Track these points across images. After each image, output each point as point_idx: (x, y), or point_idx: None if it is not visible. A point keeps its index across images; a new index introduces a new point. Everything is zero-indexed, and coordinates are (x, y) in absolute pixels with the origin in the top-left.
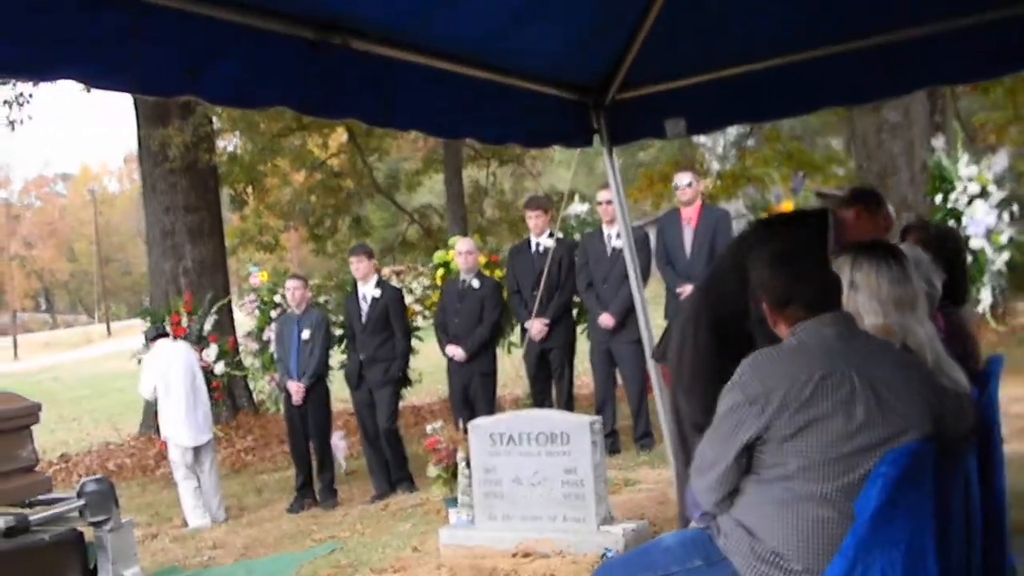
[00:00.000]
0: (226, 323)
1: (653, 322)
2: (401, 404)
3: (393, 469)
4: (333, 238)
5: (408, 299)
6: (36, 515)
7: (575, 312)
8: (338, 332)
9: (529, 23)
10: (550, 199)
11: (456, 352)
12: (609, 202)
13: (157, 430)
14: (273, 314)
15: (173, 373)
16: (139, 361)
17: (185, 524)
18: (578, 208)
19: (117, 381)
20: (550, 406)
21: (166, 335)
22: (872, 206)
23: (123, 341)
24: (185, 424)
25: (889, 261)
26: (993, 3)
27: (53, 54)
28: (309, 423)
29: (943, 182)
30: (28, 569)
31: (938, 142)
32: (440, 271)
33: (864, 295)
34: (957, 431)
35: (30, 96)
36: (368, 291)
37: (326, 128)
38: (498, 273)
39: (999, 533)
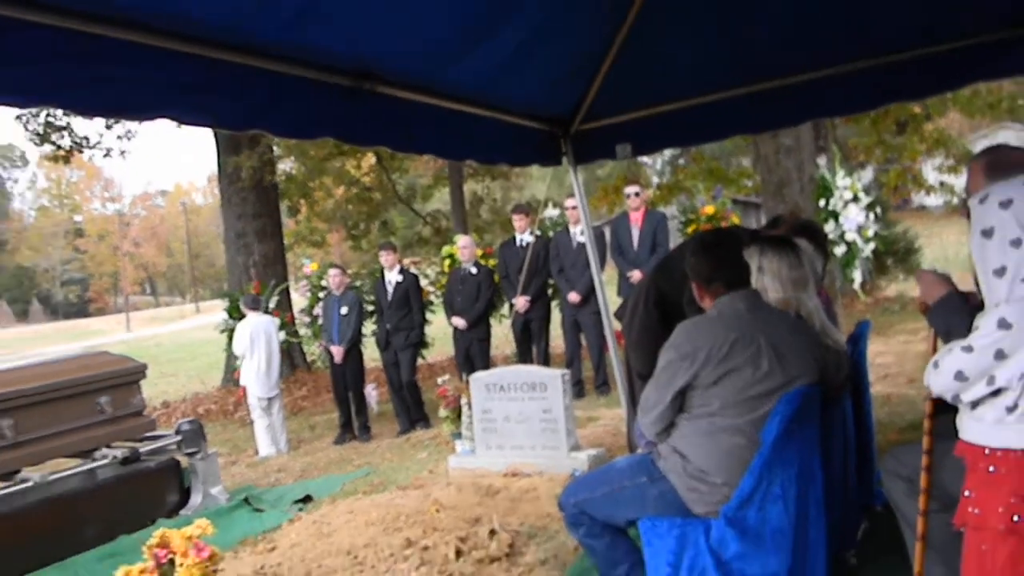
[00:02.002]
0: (285, 302)
1: (609, 298)
2: (418, 362)
3: (413, 411)
4: (366, 237)
5: (423, 283)
6: (144, 448)
7: (550, 291)
8: (370, 308)
9: (514, 74)
10: (530, 205)
11: (459, 322)
12: (574, 208)
13: (236, 383)
14: (321, 295)
15: (258, 339)
16: (222, 331)
17: (257, 453)
18: (551, 212)
19: (204, 347)
20: (531, 362)
21: (257, 307)
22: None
23: (208, 317)
24: (263, 379)
25: (788, 250)
26: (863, 55)
27: (152, 99)
28: (348, 377)
29: (825, 191)
30: (139, 488)
31: (821, 160)
32: (447, 261)
33: (769, 276)
34: (837, 379)
35: (136, 131)
36: (393, 277)
37: (360, 153)
38: (491, 262)
39: (868, 453)
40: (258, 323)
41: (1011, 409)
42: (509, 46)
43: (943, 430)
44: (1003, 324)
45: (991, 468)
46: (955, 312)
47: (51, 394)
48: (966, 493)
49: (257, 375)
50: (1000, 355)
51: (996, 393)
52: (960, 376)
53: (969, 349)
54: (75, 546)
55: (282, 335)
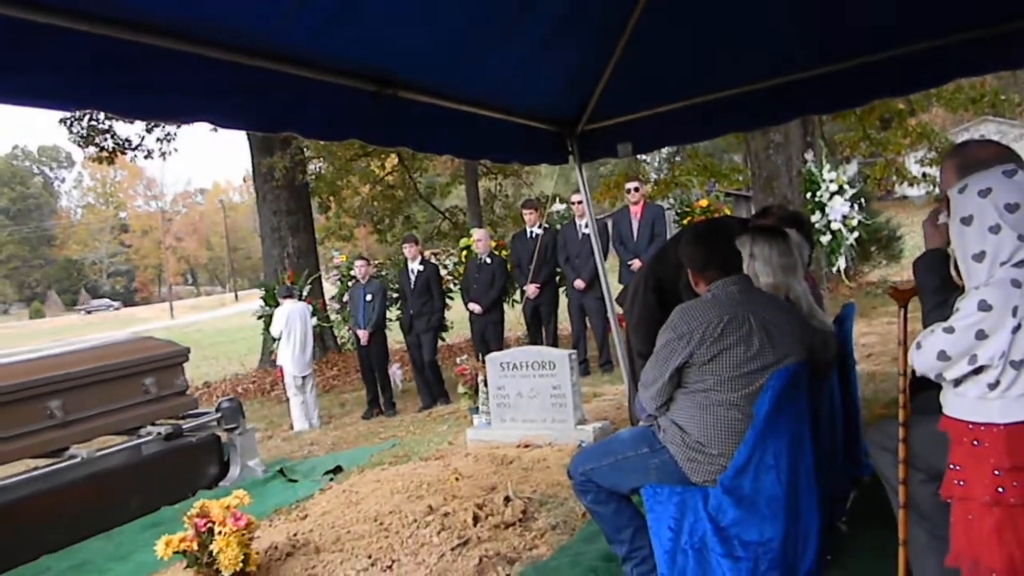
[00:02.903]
0: (317, 290)
1: (611, 284)
2: (439, 344)
3: (434, 388)
4: (391, 231)
5: (442, 272)
6: (187, 424)
7: (558, 279)
8: (395, 295)
9: (525, 80)
10: (539, 201)
11: (476, 307)
12: (579, 202)
13: (273, 364)
14: (350, 284)
15: (294, 323)
16: (259, 317)
17: (292, 428)
18: (558, 207)
19: (242, 332)
20: (541, 343)
21: (291, 295)
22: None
23: (246, 304)
24: (298, 359)
25: (777, 238)
26: (848, 55)
27: (190, 104)
28: (373, 358)
29: (812, 184)
30: (181, 462)
31: (809, 155)
32: (464, 252)
33: (760, 262)
34: (824, 357)
35: (175, 134)
36: (415, 267)
37: (384, 154)
38: (504, 253)
39: (855, 427)
40: (293, 309)
41: (993, 386)
42: (519, 55)
43: (925, 406)
44: (983, 306)
45: (975, 442)
46: (930, 271)
47: (99, 376)
48: (952, 466)
49: (293, 356)
50: (981, 335)
51: (978, 371)
52: (943, 356)
53: (951, 330)
54: (120, 517)
55: (314, 320)
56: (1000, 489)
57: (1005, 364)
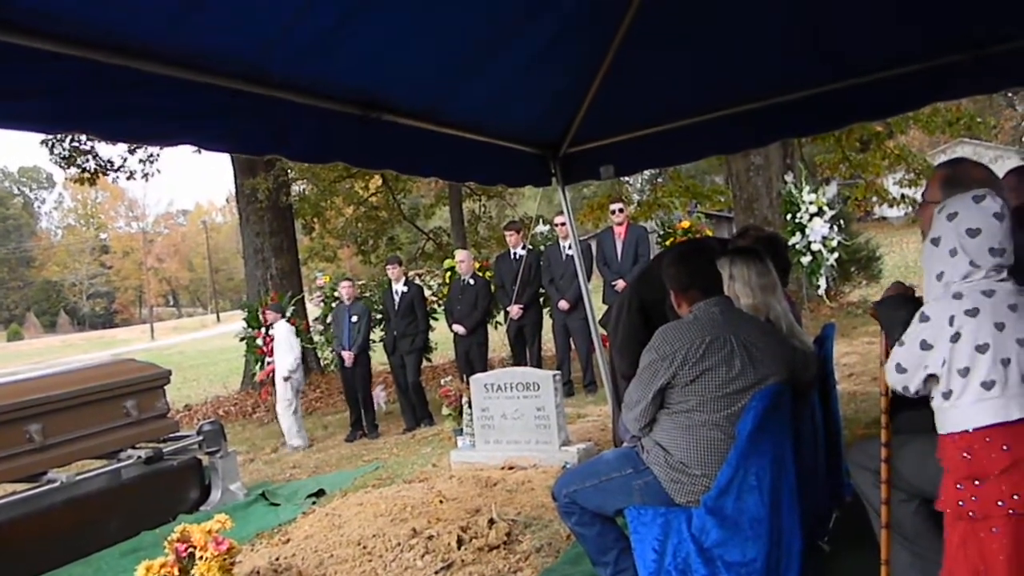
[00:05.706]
0: (301, 312)
1: (595, 305)
2: (423, 365)
3: (418, 410)
4: (374, 252)
5: (426, 293)
6: (167, 448)
7: (541, 299)
8: (378, 316)
9: (510, 105)
10: (523, 222)
11: (460, 328)
12: (563, 224)
13: (254, 387)
14: (334, 305)
15: (293, 341)
16: (241, 339)
17: (284, 446)
18: (542, 228)
19: (224, 354)
20: (525, 364)
21: (283, 315)
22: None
23: (228, 326)
24: (298, 375)
25: (755, 259)
26: (829, 79)
27: (174, 126)
28: (356, 380)
29: (792, 205)
30: (162, 486)
31: (789, 177)
32: (448, 273)
33: (739, 283)
34: (805, 377)
35: (157, 155)
36: (399, 288)
37: (368, 175)
38: (488, 274)
39: (837, 447)
40: (288, 328)
41: (947, 395)
42: (504, 79)
43: (905, 426)
44: (923, 317)
45: (940, 456)
46: (897, 307)
47: (79, 399)
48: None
49: (297, 371)
50: (925, 345)
51: (934, 381)
52: (900, 368)
53: (902, 343)
54: (100, 542)
55: (297, 341)
56: (960, 503)
57: (951, 372)
